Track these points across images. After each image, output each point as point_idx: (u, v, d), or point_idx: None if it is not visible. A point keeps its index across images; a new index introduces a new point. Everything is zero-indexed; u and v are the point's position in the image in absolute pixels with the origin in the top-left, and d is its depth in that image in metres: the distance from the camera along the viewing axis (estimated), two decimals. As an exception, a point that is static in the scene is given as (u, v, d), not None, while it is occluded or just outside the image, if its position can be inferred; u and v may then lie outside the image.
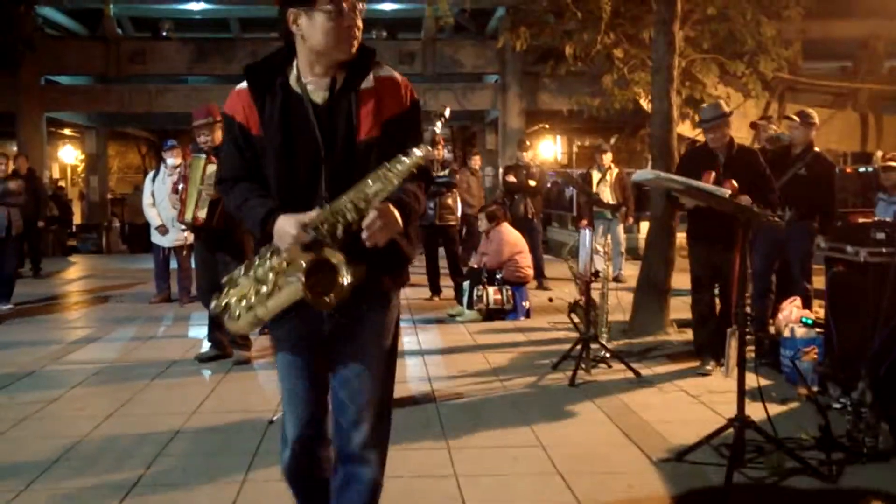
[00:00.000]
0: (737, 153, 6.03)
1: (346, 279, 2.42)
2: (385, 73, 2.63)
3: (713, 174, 5.69)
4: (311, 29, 2.50)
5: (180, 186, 6.67)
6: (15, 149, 20.64)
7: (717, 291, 6.22)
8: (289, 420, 2.70)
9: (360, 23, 2.56)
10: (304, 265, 2.42)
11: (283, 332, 2.67)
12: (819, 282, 6.82)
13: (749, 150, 6.35)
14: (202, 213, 6.36)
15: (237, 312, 2.52)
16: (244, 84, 2.63)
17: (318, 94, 2.58)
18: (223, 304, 2.55)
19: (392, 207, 2.45)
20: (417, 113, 2.64)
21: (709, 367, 6.01)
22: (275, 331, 2.70)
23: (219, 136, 6.42)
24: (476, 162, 12.31)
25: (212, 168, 6.27)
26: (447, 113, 2.65)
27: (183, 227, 9.51)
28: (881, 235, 4.93)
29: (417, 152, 2.43)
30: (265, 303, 2.50)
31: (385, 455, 2.72)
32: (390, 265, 2.62)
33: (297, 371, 2.67)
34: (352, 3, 2.52)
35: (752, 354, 5.95)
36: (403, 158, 2.43)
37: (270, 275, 2.49)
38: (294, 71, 2.60)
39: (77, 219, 22.98)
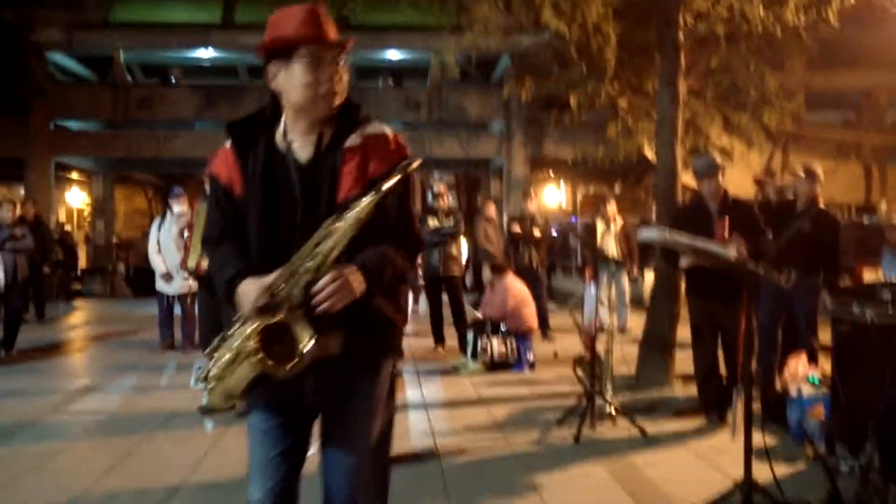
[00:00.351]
0: (731, 204, 6.04)
1: (305, 346, 2.28)
2: (374, 131, 2.51)
3: (726, 221, 5.64)
4: (288, 83, 2.44)
5: (186, 233, 6.67)
6: (22, 192, 20.83)
7: (720, 345, 6.20)
8: (256, 488, 2.57)
9: (343, 76, 2.48)
10: (257, 330, 2.31)
11: (259, 398, 2.51)
12: (825, 336, 6.81)
13: (742, 201, 6.34)
14: (206, 262, 6.36)
15: (211, 385, 2.39)
16: (228, 143, 2.56)
17: (303, 151, 2.50)
18: (203, 375, 2.42)
19: (353, 270, 2.34)
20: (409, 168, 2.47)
21: (714, 426, 5.95)
22: (250, 396, 2.49)
23: None
24: (491, 209, 12.36)
25: None
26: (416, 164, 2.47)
27: (186, 274, 9.59)
28: (888, 296, 4.90)
29: (365, 200, 2.32)
30: (233, 374, 2.36)
31: None
32: (374, 332, 2.49)
33: (271, 441, 2.54)
34: (331, 54, 2.45)
35: (758, 410, 5.90)
36: (351, 210, 2.32)
37: (237, 342, 2.37)
38: (281, 127, 2.52)
39: (83, 262, 23.00)
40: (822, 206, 7.06)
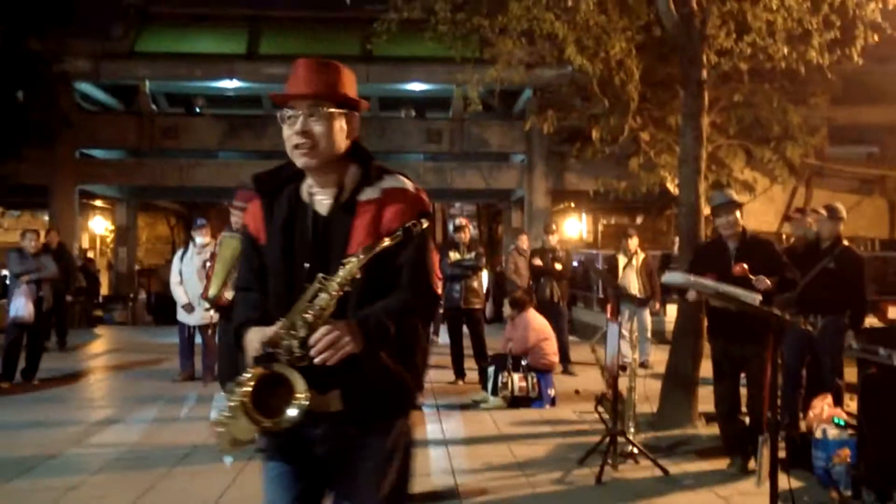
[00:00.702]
0: (750, 241, 6.00)
1: (294, 403, 2.26)
2: (394, 185, 2.49)
3: (745, 266, 5.61)
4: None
5: (208, 263, 6.66)
6: (47, 219, 21.07)
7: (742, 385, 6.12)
8: None
9: (316, 129, 2.45)
10: (250, 380, 2.29)
11: (271, 443, 2.53)
12: (850, 375, 6.74)
13: (762, 239, 6.30)
14: (229, 294, 6.34)
15: (219, 430, 2.35)
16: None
17: (323, 204, 2.51)
18: (219, 420, 2.36)
19: (351, 324, 2.31)
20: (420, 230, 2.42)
21: (738, 475, 5.86)
22: (264, 441, 2.54)
23: None
24: (524, 242, 12.37)
25: None
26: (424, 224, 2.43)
27: (207, 304, 9.62)
28: (916, 339, 4.85)
29: (354, 259, 2.31)
30: (236, 422, 2.31)
31: None
32: (378, 390, 2.43)
33: (282, 487, 2.50)
34: (309, 109, 2.46)
35: (783, 454, 5.81)
36: (343, 266, 2.31)
37: (239, 390, 2.34)
38: (308, 179, 2.56)
39: (105, 289, 23.16)
40: (845, 243, 7.00)
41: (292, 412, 2.27)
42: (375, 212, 2.44)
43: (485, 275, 11.30)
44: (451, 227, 10.79)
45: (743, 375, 6.06)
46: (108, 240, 28.42)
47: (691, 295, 5.80)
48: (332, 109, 2.48)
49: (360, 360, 2.33)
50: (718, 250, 6.02)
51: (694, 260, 6.41)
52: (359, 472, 2.48)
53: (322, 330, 2.28)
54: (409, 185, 2.52)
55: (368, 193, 2.48)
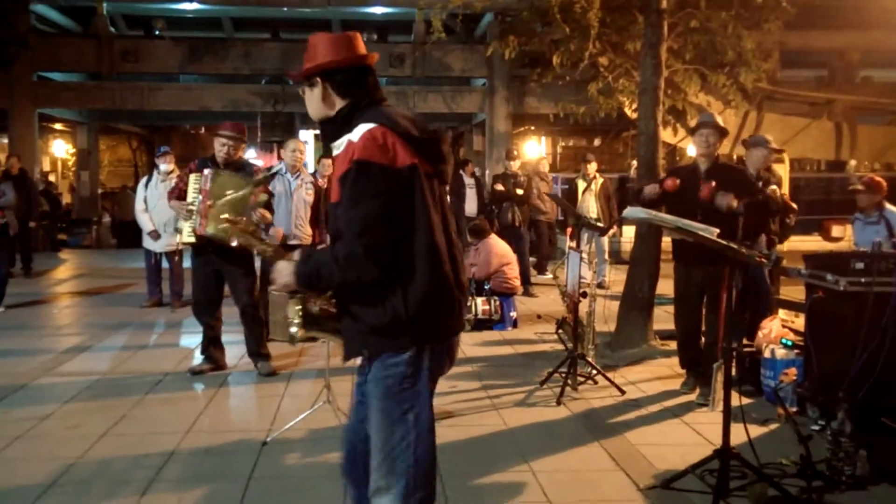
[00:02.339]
0: (721, 165, 5.92)
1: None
2: (349, 136, 2.64)
3: (712, 184, 5.58)
4: None
5: (193, 196, 6.36)
6: (6, 141, 20.51)
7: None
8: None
9: (309, 95, 2.79)
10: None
11: None
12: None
13: (733, 165, 6.28)
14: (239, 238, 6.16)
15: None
16: None
17: None
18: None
19: (289, 265, 2.74)
20: (347, 177, 2.55)
21: (691, 393, 5.98)
22: None
23: (239, 153, 6.45)
24: (544, 166, 12.35)
25: (263, 197, 6.20)
26: None
27: (177, 230, 9.47)
28: (860, 265, 4.93)
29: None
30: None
31: (401, 491, 2.65)
32: (361, 329, 2.67)
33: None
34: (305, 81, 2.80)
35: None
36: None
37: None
38: None
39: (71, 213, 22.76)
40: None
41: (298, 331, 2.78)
42: (340, 162, 2.63)
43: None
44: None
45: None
46: (70, 163, 27.81)
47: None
48: (302, 86, 2.79)
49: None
50: (690, 172, 5.94)
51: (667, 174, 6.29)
52: (368, 400, 2.75)
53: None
54: (357, 133, 2.61)
55: (337, 146, 2.71)
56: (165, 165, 9.72)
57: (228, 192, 6.18)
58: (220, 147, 6.35)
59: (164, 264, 10.05)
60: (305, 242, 7.83)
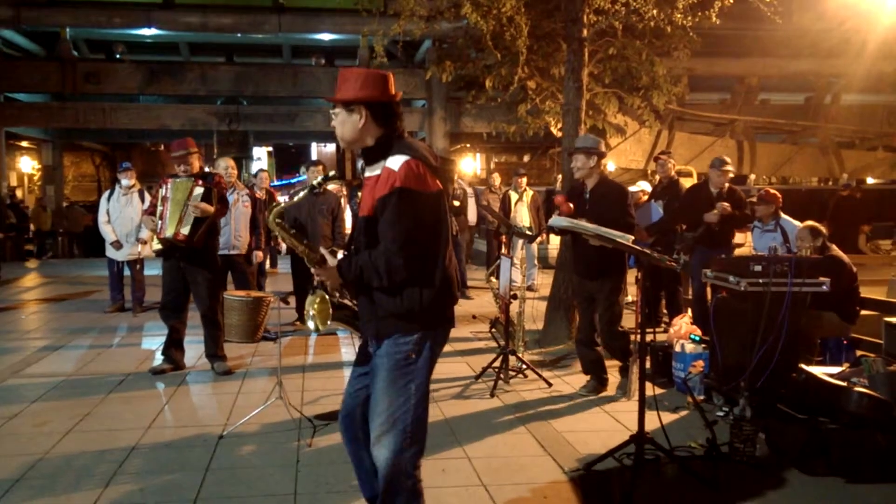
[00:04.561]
0: (602, 185, 5.69)
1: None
2: (387, 164, 2.89)
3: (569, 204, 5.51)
4: None
5: (159, 208, 6.32)
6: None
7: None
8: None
9: (335, 125, 3.00)
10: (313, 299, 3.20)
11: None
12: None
13: (615, 184, 5.91)
14: (185, 230, 6.12)
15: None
16: None
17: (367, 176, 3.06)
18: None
19: (332, 268, 3.03)
20: (390, 199, 2.82)
21: (590, 395, 5.84)
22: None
23: (195, 164, 6.33)
24: (495, 180, 12.60)
25: (198, 190, 6.17)
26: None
27: (139, 241, 9.30)
28: (758, 268, 5.08)
29: None
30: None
31: (393, 456, 2.96)
32: (371, 315, 2.99)
33: (357, 374, 3.25)
34: (339, 108, 3.00)
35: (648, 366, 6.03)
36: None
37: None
38: None
39: (34, 225, 22.08)
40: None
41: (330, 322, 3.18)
42: (373, 184, 2.93)
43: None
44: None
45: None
46: (36, 178, 27.02)
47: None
48: (338, 110, 2.99)
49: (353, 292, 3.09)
50: (578, 191, 5.78)
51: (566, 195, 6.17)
52: (374, 369, 3.02)
53: (317, 268, 3.09)
54: (394, 164, 2.87)
55: (372, 170, 2.99)
56: (127, 180, 9.55)
57: (178, 195, 6.17)
58: (178, 167, 6.33)
59: (126, 272, 9.84)
60: (242, 252, 7.96)
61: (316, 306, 3.15)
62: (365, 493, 3.28)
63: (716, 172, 7.48)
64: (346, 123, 2.97)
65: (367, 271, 2.87)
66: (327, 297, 3.14)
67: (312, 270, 3.11)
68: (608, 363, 5.94)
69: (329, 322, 3.15)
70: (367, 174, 3.01)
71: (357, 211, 3.18)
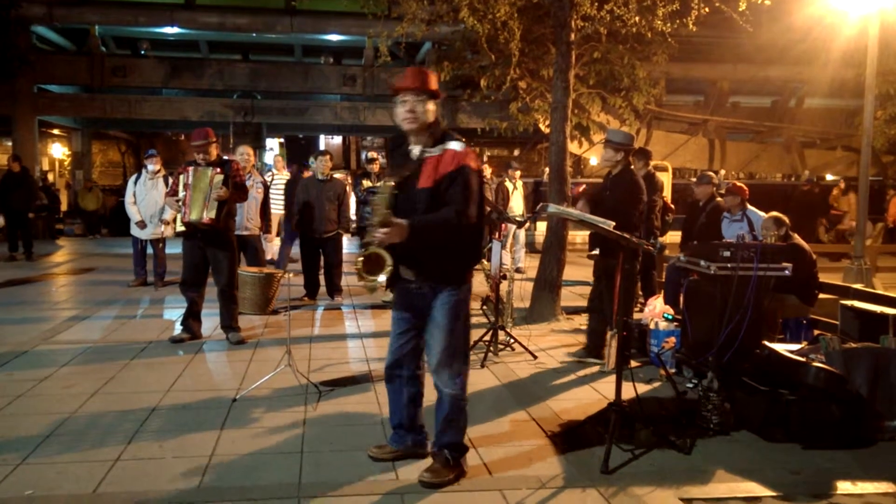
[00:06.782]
0: (620, 175, 5.76)
1: (386, 270, 3.25)
2: (448, 147, 3.35)
3: (583, 187, 5.63)
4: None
5: (182, 193, 6.28)
6: (10, 144, 19.74)
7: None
8: (388, 353, 3.72)
9: (418, 108, 3.33)
10: (360, 257, 3.31)
11: (395, 299, 3.64)
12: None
13: (627, 175, 5.84)
14: (212, 214, 6.10)
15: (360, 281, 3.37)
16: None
17: (415, 152, 3.43)
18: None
19: (401, 224, 3.21)
20: (460, 173, 3.28)
21: (584, 358, 5.98)
22: (392, 296, 3.71)
23: (213, 152, 6.29)
24: (486, 171, 12.42)
25: (219, 178, 6.13)
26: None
27: (162, 222, 9.27)
28: (727, 254, 5.08)
29: (383, 188, 3.33)
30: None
31: (457, 376, 3.54)
32: (431, 269, 3.41)
33: (399, 323, 3.64)
34: (409, 97, 3.35)
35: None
36: (379, 192, 3.32)
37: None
38: (411, 137, 3.46)
39: (64, 206, 21.96)
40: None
41: (381, 276, 3.27)
42: (435, 163, 3.34)
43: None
44: (364, 159, 10.65)
45: None
46: (66, 163, 26.86)
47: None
48: (409, 97, 3.35)
49: (416, 250, 3.31)
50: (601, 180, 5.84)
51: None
52: (432, 316, 3.47)
53: (382, 229, 3.22)
54: (457, 147, 3.35)
55: (433, 151, 3.39)
56: (153, 166, 9.50)
57: (202, 184, 6.14)
58: (197, 155, 6.29)
59: (149, 250, 9.80)
60: (255, 233, 7.95)
61: (370, 261, 3.28)
62: (392, 421, 3.80)
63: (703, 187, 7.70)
64: (424, 109, 3.35)
65: (438, 229, 3.25)
66: (380, 250, 3.27)
67: (377, 233, 3.22)
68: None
69: (384, 272, 3.27)
70: (427, 154, 3.36)
71: (363, 198, 3.39)
